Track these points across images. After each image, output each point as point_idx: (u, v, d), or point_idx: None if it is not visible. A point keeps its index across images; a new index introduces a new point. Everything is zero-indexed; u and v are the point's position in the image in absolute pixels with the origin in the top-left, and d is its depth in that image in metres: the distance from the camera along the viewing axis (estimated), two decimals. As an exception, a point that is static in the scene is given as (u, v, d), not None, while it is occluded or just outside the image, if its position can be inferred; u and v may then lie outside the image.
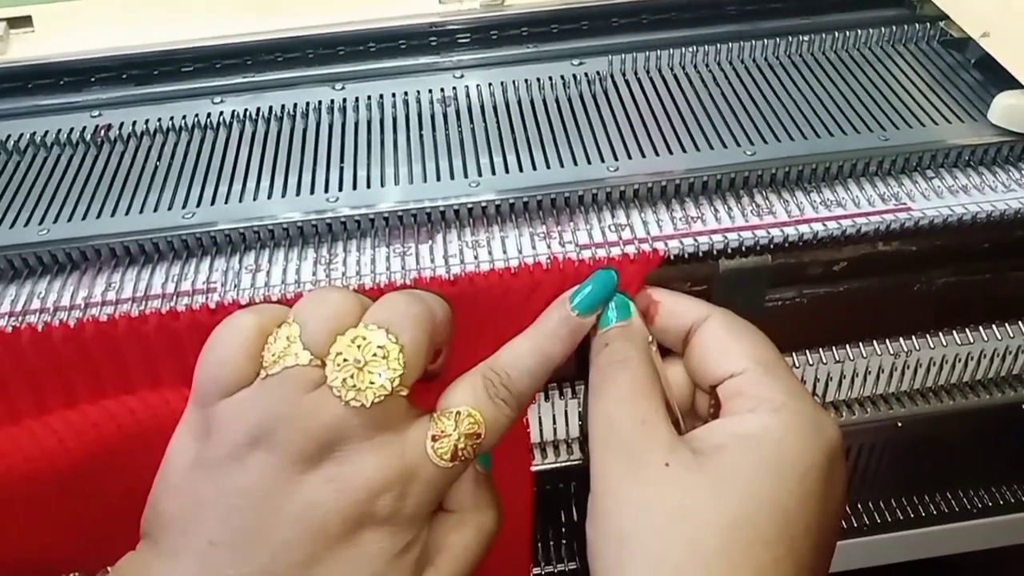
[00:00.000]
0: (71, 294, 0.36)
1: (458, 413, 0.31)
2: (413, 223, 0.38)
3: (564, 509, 0.45)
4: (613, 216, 0.38)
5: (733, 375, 0.33)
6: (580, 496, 0.43)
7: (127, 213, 0.38)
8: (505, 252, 0.37)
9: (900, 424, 0.43)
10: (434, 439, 0.31)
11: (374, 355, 0.30)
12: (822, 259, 0.39)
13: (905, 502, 0.49)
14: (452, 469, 0.31)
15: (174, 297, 0.35)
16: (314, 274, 0.36)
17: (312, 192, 0.39)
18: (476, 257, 0.37)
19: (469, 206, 0.38)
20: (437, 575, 0.33)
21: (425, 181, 0.39)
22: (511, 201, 0.38)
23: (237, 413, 0.30)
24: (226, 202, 0.38)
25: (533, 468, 0.42)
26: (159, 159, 0.41)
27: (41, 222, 0.38)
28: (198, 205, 0.38)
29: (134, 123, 0.43)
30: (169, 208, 0.38)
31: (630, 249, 0.36)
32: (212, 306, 0.34)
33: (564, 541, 0.47)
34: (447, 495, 0.34)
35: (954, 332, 0.42)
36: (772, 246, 0.37)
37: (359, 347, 0.30)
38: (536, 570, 0.47)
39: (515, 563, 0.42)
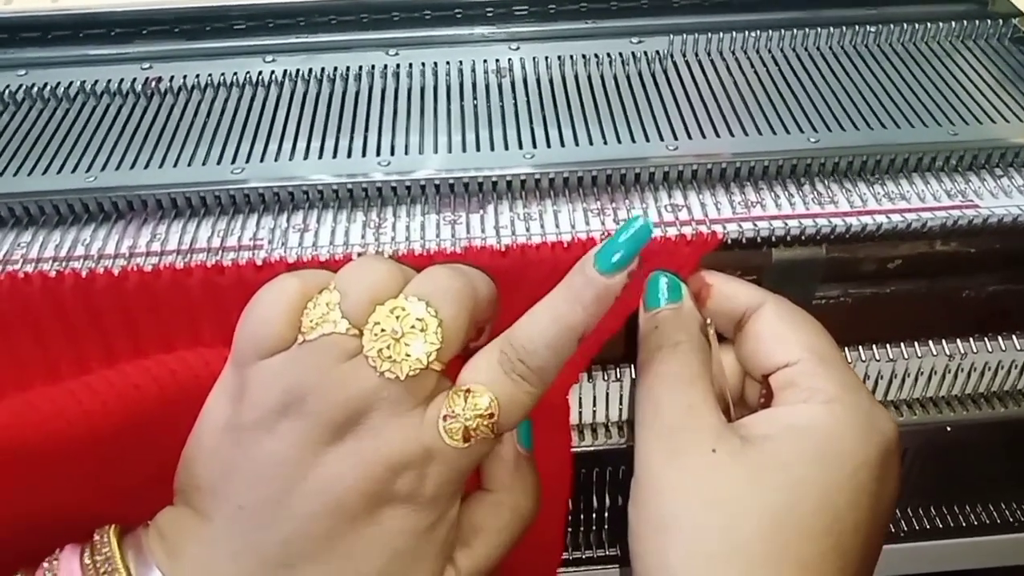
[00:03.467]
0: (115, 243, 0.35)
1: (468, 391, 0.30)
2: (464, 192, 0.38)
3: (598, 494, 0.44)
4: (670, 196, 0.37)
5: (787, 365, 0.32)
6: (623, 480, 0.42)
7: (175, 165, 0.37)
8: (558, 227, 0.36)
9: (949, 429, 0.42)
10: (445, 419, 0.30)
11: (412, 327, 0.29)
12: (877, 255, 0.37)
13: (945, 511, 0.48)
14: (469, 449, 0.30)
15: (220, 252, 0.35)
16: (363, 237, 0.35)
17: (364, 155, 0.38)
18: (528, 230, 0.36)
19: (522, 177, 0.37)
20: (471, 555, 0.32)
21: (478, 150, 0.38)
22: (566, 175, 0.37)
23: (271, 378, 0.29)
24: (276, 160, 0.38)
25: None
26: (209, 114, 0.41)
27: (88, 169, 0.37)
28: (247, 161, 0.37)
29: (184, 77, 0.43)
30: (218, 162, 0.37)
31: (687, 231, 0.35)
32: (259, 263, 0.33)
33: (594, 528, 0.46)
34: (486, 474, 0.33)
35: (1013, 336, 0.40)
36: (833, 236, 0.36)
37: (398, 318, 0.29)
38: (564, 555, 0.46)
39: (548, 546, 0.42)
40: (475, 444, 0.30)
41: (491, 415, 0.30)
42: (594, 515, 0.45)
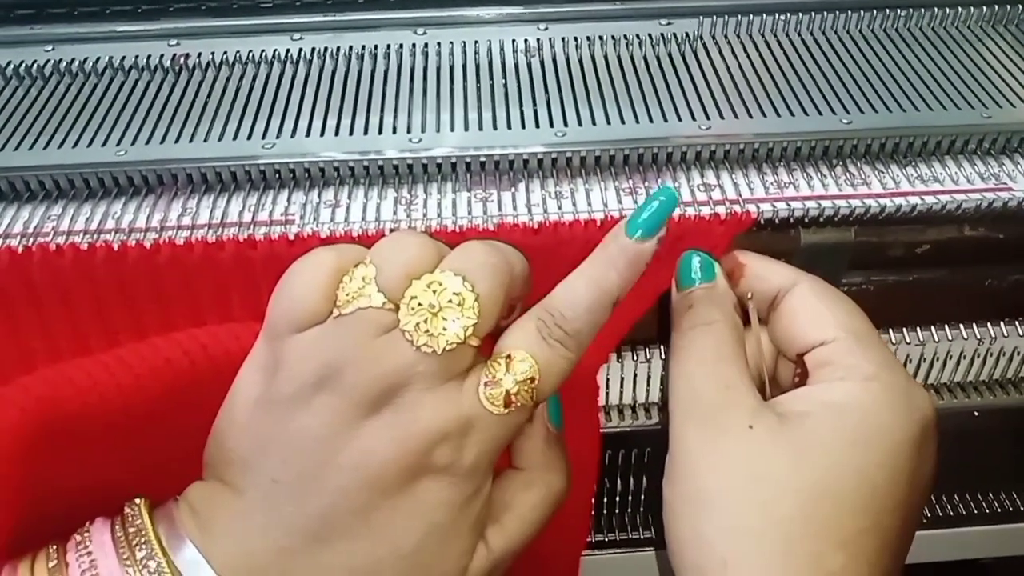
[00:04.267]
0: (147, 216, 0.35)
1: (509, 357, 0.30)
2: (495, 170, 0.37)
3: (625, 475, 0.44)
4: (702, 176, 0.37)
5: (823, 343, 0.32)
6: (651, 461, 0.42)
7: (206, 140, 0.37)
8: (590, 205, 0.36)
9: (977, 414, 0.42)
10: (486, 385, 0.29)
11: (449, 301, 0.29)
12: (904, 240, 0.37)
13: (968, 498, 0.48)
14: (509, 416, 0.30)
15: (251, 226, 0.34)
16: (395, 214, 0.35)
17: (395, 132, 0.38)
18: (559, 208, 0.36)
19: (554, 156, 0.37)
20: (503, 532, 0.32)
21: (510, 128, 0.38)
22: (597, 153, 0.37)
23: (306, 351, 0.29)
24: (307, 136, 0.37)
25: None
26: (238, 90, 0.40)
27: (119, 143, 0.37)
28: (278, 137, 0.37)
29: (212, 54, 0.43)
30: (248, 137, 0.37)
31: (720, 210, 0.35)
32: (291, 237, 0.33)
33: (617, 510, 0.46)
34: (517, 452, 0.33)
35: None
36: (866, 217, 0.36)
37: (434, 292, 0.29)
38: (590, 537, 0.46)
39: (574, 528, 0.41)
40: (514, 411, 0.30)
41: (532, 379, 0.30)
42: (617, 497, 0.45)
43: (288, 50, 0.43)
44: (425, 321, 0.28)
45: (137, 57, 0.42)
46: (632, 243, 0.30)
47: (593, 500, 0.42)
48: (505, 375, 0.29)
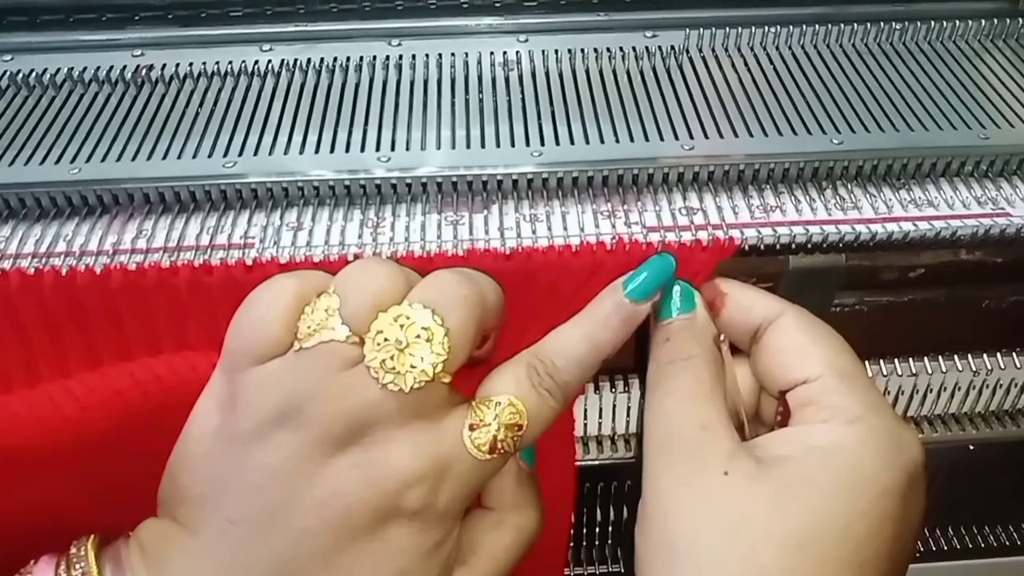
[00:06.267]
0: (99, 239, 0.33)
1: (498, 403, 0.29)
2: (468, 190, 0.36)
3: (603, 508, 0.42)
4: (685, 199, 0.35)
5: (806, 381, 0.30)
6: (629, 494, 0.41)
7: (164, 158, 0.35)
8: (565, 229, 0.34)
9: (972, 447, 0.40)
10: (472, 428, 0.28)
11: (417, 337, 0.27)
12: (898, 264, 0.36)
13: (963, 531, 0.46)
14: (490, 462, 0.29)
15: (208, 250, 0.33)
16: (360, 237, 0.34)
17: (362, 150, 0.36)
18: (534, 232, 0.34)
19: (529, 176, 0.35)
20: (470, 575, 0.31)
21: (483, 147, 0.36)
22: (575, 175, 0.35)
23: (266, 385, 0.28)
24: (270, 154, 0.36)
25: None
26: (201, 104, 0.39)
27: (73, 160, 0.35)
28: (240, 155, 0.36)
29: (177, 65, 0.41)
30: (209, 156, 0.36)
31: (702, 235, 0.33)
32: (249, 262, 0.31)
33: (596, 543, 0.45)
34: (487, 491, 0.32)
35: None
36: (857, 243, 0.34)
37: (402, 327, 0.27)
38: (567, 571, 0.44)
39: (550, 563, 0.40)
40: (496, 457, 0.29)
41: (519, 427, 0.29)
42: (597, 529, 0.44)
43: (256, 61, 0.41)
44: (392, 358, 0.27)
45: (99, 68, 0.41)
46: (629, 304, 0.31)
47: (570, 533, 0.40)
48: (493, 420, 0.29)
